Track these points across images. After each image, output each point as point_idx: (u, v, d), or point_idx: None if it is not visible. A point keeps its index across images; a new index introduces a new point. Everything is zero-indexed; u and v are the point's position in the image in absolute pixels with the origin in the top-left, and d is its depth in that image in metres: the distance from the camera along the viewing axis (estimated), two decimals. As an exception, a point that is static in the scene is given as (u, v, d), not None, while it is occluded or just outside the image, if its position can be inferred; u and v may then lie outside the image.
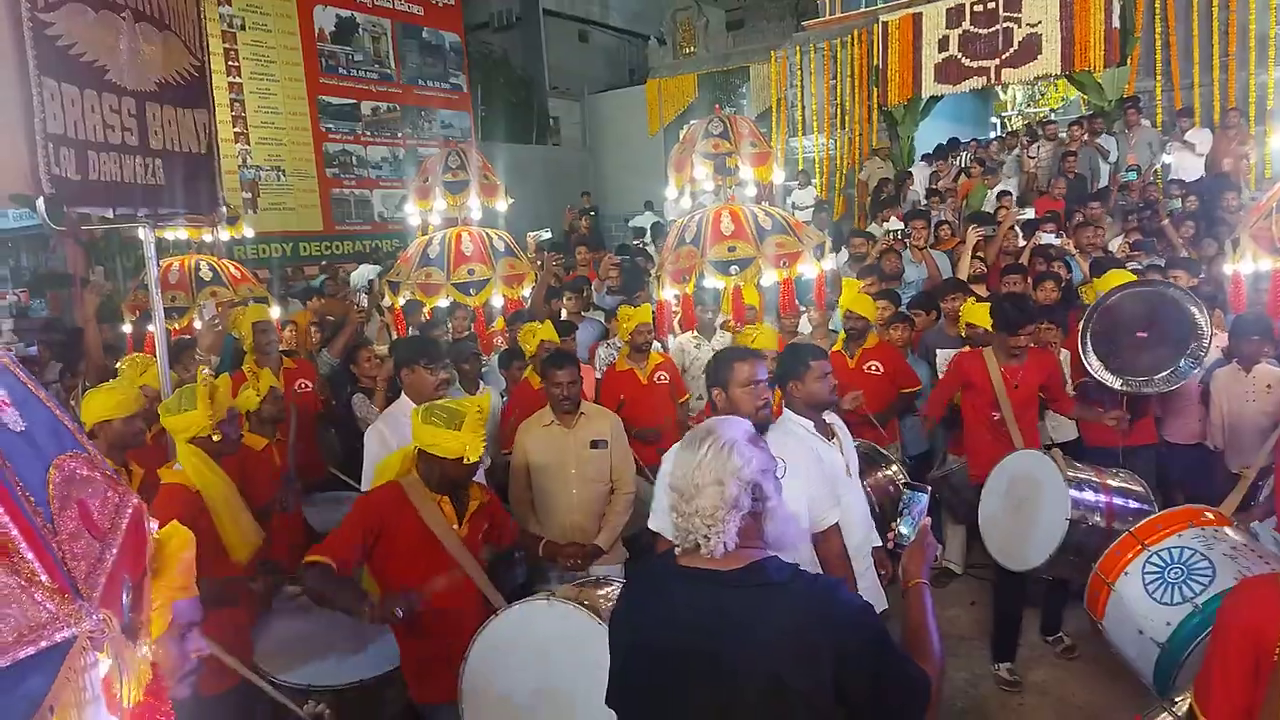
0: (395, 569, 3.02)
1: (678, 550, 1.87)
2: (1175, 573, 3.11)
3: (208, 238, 6.77)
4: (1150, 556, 3.20)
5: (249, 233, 9.19)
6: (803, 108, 15.37)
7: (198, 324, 6.01)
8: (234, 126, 13.56)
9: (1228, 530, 3.26)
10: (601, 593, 3.17)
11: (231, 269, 6.83)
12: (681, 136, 6.58)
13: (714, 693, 1.74)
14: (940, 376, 5.38)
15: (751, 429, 1.91)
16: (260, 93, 14.02)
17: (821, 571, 2.81)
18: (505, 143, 18.80)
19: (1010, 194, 9.63)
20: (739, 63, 17.75)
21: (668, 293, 5.90)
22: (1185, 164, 10.22)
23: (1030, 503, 4.07)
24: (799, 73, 15.32)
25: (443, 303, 6.15)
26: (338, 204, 15.34)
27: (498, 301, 6.29)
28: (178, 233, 6.52)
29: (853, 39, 14.47)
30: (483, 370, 5.45)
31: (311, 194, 14.89)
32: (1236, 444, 4.86)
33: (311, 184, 14.88)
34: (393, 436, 3.73)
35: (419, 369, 3.83)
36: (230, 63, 13.52)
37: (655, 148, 18.28)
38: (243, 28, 13.75)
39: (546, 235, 14.19)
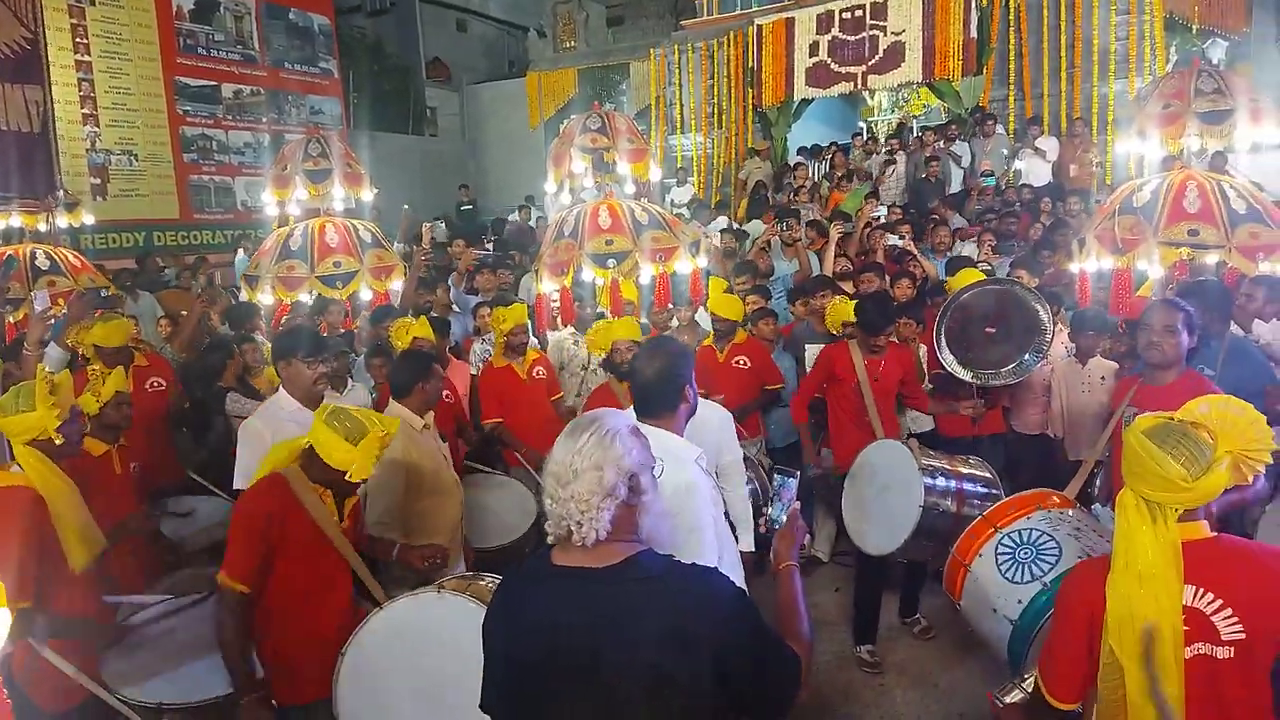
0: (285, 567, 2.92)
1: (551, 543, 1.84)
2: (1025, 553, 3.27)
3: (43, 225, 6.27)
4: (1002, 538, 3.37)
5: (89, 220, 8.56)
6: (681, 106, 15.58)
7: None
8: (82, 107, 12.68)
9: (1071, 512, 3.45)
10: (486, 583, 3.12)
11: (70, 258, 6.35)
12: (561, 131, 6.55)
13: (593, 693, 1.73)
14: (809, 370, 5.56)
15: (635, 422, 1.91)
16: (111, 72, 13.15)
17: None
18: (380, 131, 18.25)
19: (875, 195, 10.05)
20: (619, 59, 17.81)
21: (546, 286, 5.86)
22: (1035, 170, 10.90)
23: (888, 490, 4.25)
24: (677, 71, 15.51)
25: (305, 296, 5.90)
26: (196, 191, 14.55)
27: (366, 295, 6.09)
28: (9, 219, 6.02)
29: (729, 40, 14.76)
30: (350, 369, 5.27)
31: (167, 180, 14.07)
32: (1074, 433, 5.22)
33: (167, 169, 14.06)
34: (270, 432, 3.56)
35: (296, 361, 3.67)
36: (78, 39, 12.64)
37: (536, 141, 18.15)
38: (92, 3, 12.86)
39: (442, 226, 13.90)
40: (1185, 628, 1.97)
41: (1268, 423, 2.05)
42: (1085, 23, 11.92)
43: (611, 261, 5.46)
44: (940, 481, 4.14)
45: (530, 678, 1.79)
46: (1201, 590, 1.98)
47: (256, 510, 2.92)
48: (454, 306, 7.06)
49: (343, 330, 6.03)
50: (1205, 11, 12.69)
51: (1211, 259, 4.98)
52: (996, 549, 3.36)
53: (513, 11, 23.02)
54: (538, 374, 5.52)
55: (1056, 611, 2.28)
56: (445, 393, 4.47)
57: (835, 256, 7.39)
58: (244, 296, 6.29)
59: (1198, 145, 5.02)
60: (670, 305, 6.13)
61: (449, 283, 7.47)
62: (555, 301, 5.83)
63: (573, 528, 1.74)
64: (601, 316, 5.86)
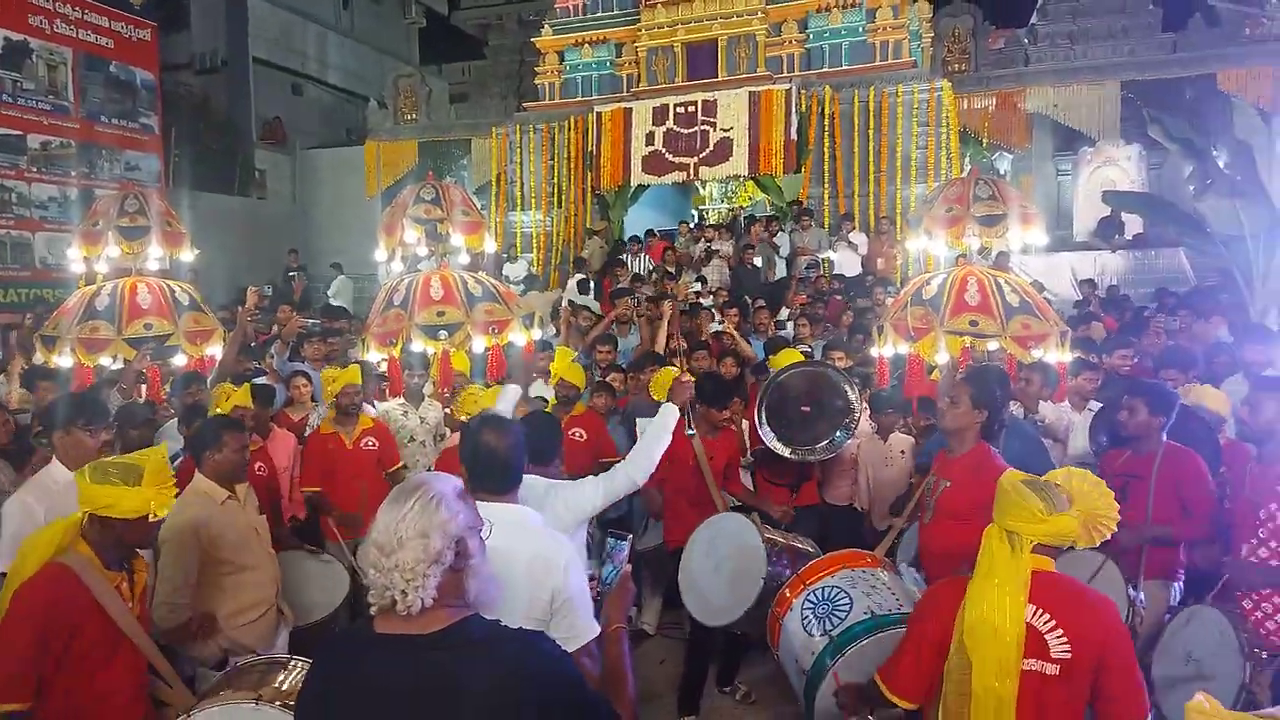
0: (71, 674, 2.62)
1: (373, 613, 1.79)
2: (823, 609, 3.53)
3: None
4: (808, 594, 3.63)
5: None
6: (522, 184, 15.86)
7: None
8: None
9: (876, 571, 3.75)
10: (283, 680, 2.99)
11: None
12: (395, 200, 6.54)
13: None
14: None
15: (461, 485, 1.89)
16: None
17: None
18: (204, 191, 17.46)
19: (705, 280, 10.56)
20: (461, 135, 17.97)
21: (373, 356, 5.76)
22: (847, 261, 11.83)
23: (729, 561, 4.34)
24: (519, 150, 15.83)
25: (107, 360, 5.50)
26: (-11, 245, 13.37)
27: (179, 360, 5.77)
28: None
29: (570, 124, 15.25)
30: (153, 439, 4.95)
31: (-45, 232, 12.86)
32: (878, 503, 5.60)
33: (-44, 220, 12.86)
34: (41, 508, 3.28)
35: (76, 430, 3.43)
36: None
37: (372, 210, 17.87)
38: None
39: (268, 290, 13.35)
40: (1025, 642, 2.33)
41: None
42: (890, 131, 13.19)
43: (443, 333, 5.45)
44: (780, 557, 4.28)
45: None
46: (1040, 610, 2.37)
47: (36, 610, 2.59)
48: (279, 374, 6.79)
49: (145, 399, 5.63)
50: (993, 128, 14.34)
51: (992, 346, 5.56)
52: (803, 604, 3.60)
53: (352, 80, 22.84)
54: (367, 444, 5.38)
55: (911, 622, 2.71)
56: (258, 464, 4.29)
57: (668, 336, 7.67)
58: (38, 358, 5.80)
59: (977, 245, 5.63)
60: (505, 377, 6.17)
61: (272, 351, 7.19)
62: (383, 373, 5.74)
63: (397, 597, 1.71)
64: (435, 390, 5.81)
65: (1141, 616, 3.52)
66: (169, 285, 5.82)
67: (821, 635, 3.40)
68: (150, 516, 2.71)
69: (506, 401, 3.85)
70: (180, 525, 3.45)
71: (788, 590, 3.78)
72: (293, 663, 3.16)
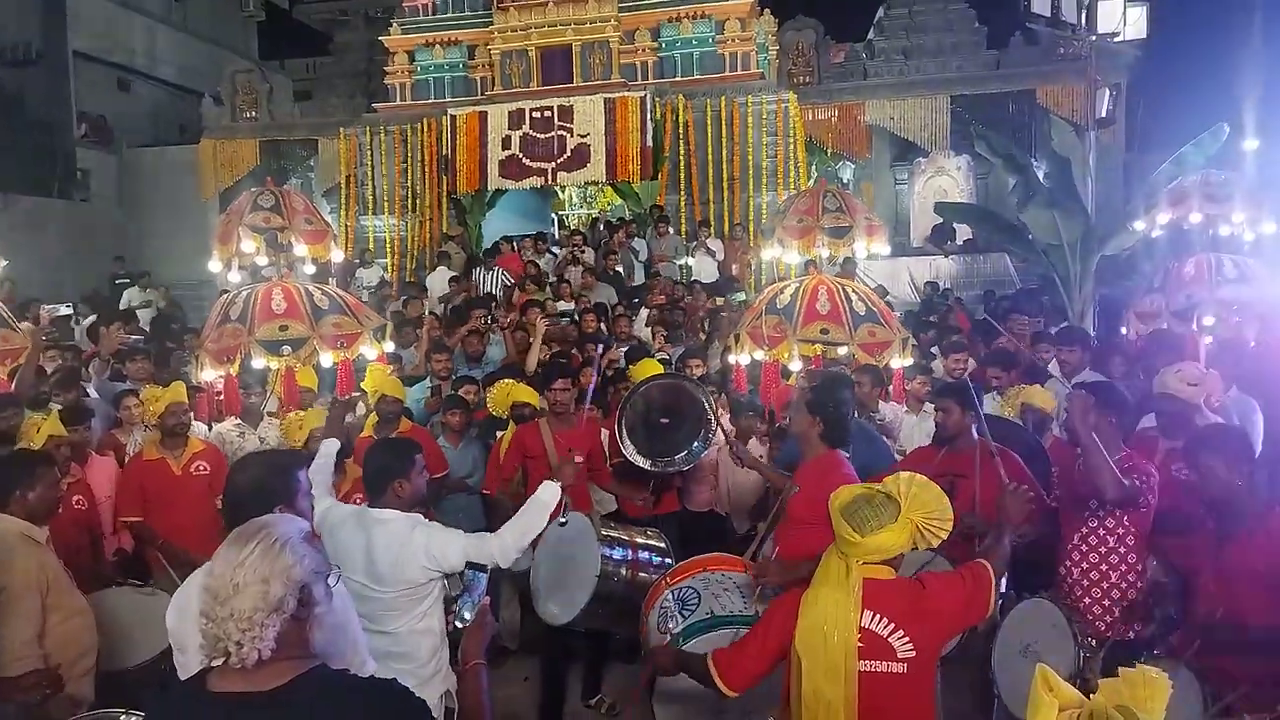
0: None
1: (208, 667, 1.66)
2: (675, 607, 3.70)
3: None
4: (668, 594, 3.77)
5: None
6: (373, 187, 15.33)
7: None
8: None
9: (732, 574, 3.83)
10: None
11: None
12: (230, 207, 6.16)
13: None
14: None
15: (308, 528, 1.80)
16: None
17: None
18: (17, 193, 15.97)
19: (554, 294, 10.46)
20: (306, 134, 17.19)
21: (208, 374, 5.39)
22: (705, 267, 12.04)
23: (571, 560, 4.36)
24: (369, 152, 15.29)
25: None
26: None
27: (-17, 383, 5.22)
28: None
29: (423, 126, 14.86)
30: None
31: None
32: (738, 507, 5.71)
33: None
34: None
35: None
36: None
37: (210, 214, 16.82)
38: None
39: (65, 310, 12.26)
40: (861, 644, 2.47)
41: None
42: (742, 140, 13.56)
43: (286, 348, 5.17)
44: (617, 552, 4.36)
45: None
46: (878, 615, 2.50)
47: None
48: (94, 395, 6.21)
49: None
50: (837, 139, 15.00)
51: (842, 351, 5.78)
52: (662, 603, 3.76)
53: (186, 75, 21.44)
54: (198, 469, 4.98)
55: (759, 622, 2.84)
56: (76, 498, 3.91)
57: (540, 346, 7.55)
58: None
59: (826, 254, 5.84)
60: (354, 393, 5.90)
61: (91, 369, 6.57)
62: (218, 391, 5.37)
63: (231, 649, 1.60)
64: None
65: None
66: (-35, 301, 5.26)
67: (667, 634, 3.58)
68: None
69: (324, 457, 3.66)
70: (20, 573, 3.18)
71: (655, 589, 3.92)
72: (129, 716, 2.90)
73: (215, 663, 1.64)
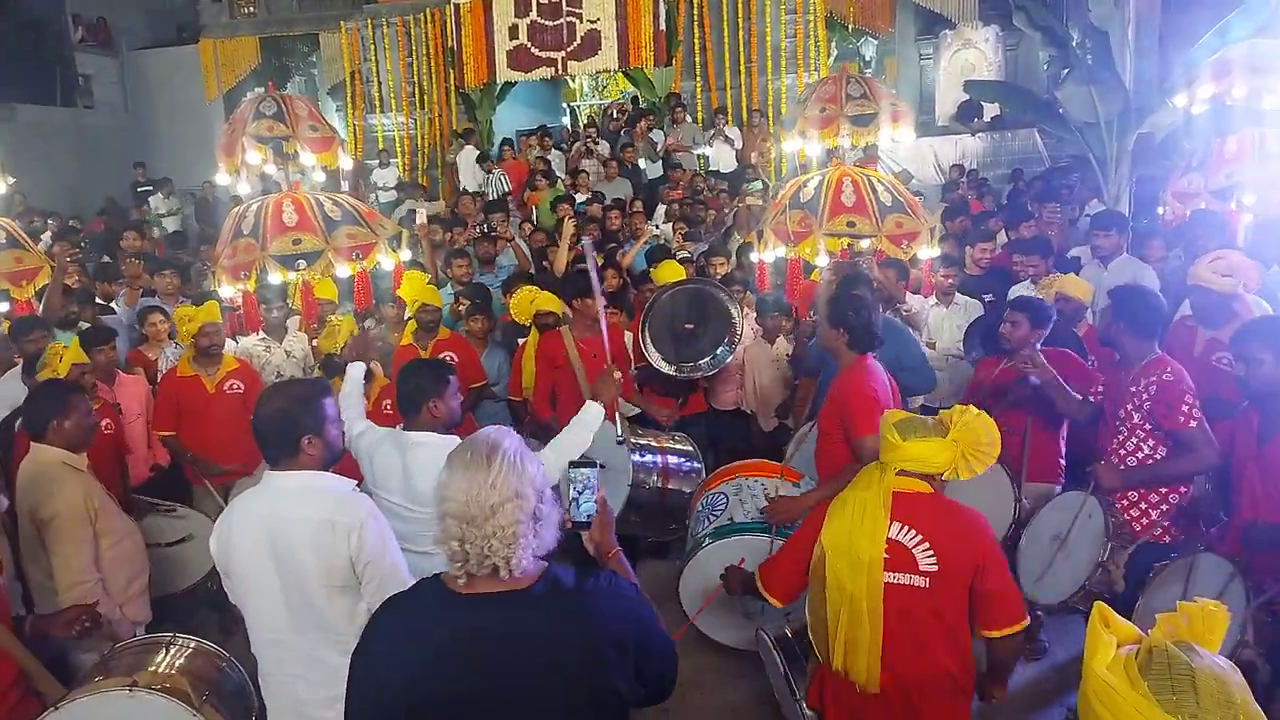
0: None
1: (457, 576, 1.73)
2: (705, 512, 3.96)
3: None
4: (705, 498, 4.03)
5: None
6: (379, 84, 14.85)
7: None
8: None
9: (763, 479, 3.99)
10: (162, 661, 2.81)
11: None
12: (232, 116, 5.97)
13: (531, 716, 1.70)
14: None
15: (518, 437, 1.87)
16: None
17: None
18: (19, 103, 15.67)
19: (570, 199, 10.13)
20: (306, 29, 16.59)
21: (226, 290, 5.34)
22: (723, 157, 11.67)
23: (602, 469, 4.38)
24: (372, 47, 14.75)
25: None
26: None
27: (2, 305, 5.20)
28: None
29: (426, 17, 14.28)
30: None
31: None
32: (765, 407, 5.67)
33: None
34: None
35: None
36: None
37: (215, 115, 16.45)
38: None
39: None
40: (887, 556, 2.50)
41: None
42: (759, 20, 12.90)
43: (301, 263, 5.09)
44: (648, 458, 4.52)
45: (444, 713, 1.69)
46: (906, 527, 2.51)
47: None
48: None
49: None
50: (859, 14, 14.26)
51: (866, 244, 5.61)
52: (699, 507, 4.01)
53: (179, -29, 20.65)
54: (232, 388, 4.95)
55: (799, 529, 2.88)
56: (105, 421, 3.93)
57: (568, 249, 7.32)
58: None
59: (849, 144, 5.60)
60: (374, 304, 5.84)
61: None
62: (237, 307, 5.33)
63: (499, 564, 1.69)
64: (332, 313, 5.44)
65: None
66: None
67: (699, 533, 3.83)
68: None
69: (352, 382, 3.62)
70: (67, 501, 3.23)
71: (697, 495, 4.20)
72: (175, 641, 2.99)
73: (482, 573, 1.71)
